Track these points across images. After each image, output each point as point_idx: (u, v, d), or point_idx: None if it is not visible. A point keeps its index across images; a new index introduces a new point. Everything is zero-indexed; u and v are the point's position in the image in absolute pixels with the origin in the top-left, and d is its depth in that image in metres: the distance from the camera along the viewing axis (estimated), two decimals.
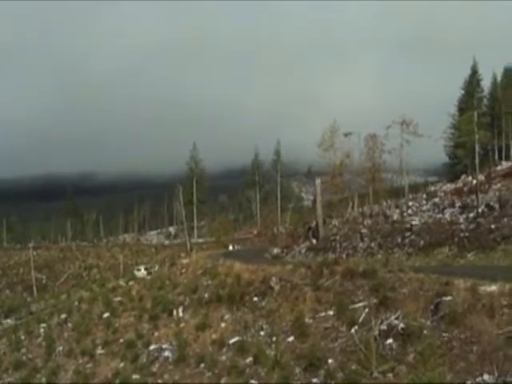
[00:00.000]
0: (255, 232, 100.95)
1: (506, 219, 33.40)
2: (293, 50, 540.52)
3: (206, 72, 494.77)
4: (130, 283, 43.37)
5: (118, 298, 37.37)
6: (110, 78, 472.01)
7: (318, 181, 52.33)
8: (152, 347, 23.92)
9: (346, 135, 69.09)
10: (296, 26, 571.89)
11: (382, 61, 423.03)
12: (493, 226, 32.45)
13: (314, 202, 57.85)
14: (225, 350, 20.61)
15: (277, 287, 24.46)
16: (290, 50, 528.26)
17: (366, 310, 18.07)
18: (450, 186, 65.47)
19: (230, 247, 72.96)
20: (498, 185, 48.92)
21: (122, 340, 27.16)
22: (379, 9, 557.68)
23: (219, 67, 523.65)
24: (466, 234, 32.80)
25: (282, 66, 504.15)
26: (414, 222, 42.29)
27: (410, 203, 58.07)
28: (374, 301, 18.53)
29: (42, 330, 35.00)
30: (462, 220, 38.49)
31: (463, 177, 70.21)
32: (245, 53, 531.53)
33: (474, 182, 48.33)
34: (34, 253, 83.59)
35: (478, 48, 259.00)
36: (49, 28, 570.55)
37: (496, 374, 11.10)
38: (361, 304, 18.84)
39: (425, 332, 15.24)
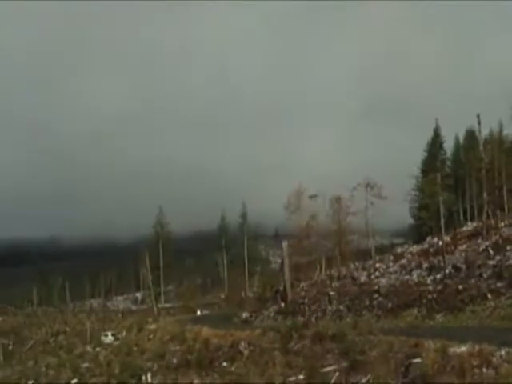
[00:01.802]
0: (223, 296, 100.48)
1: (473, 280, 33.64)
2: (260, 116, 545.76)
3: (173, 136, 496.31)
4: (98, 349, 42.73)
5: (86, 364, 36.76)
6: (73, 143, 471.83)
7: (284, 243, 52.47)
8: None
9: (311, 197, 70.00)
10: (264, 91, 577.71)
11: (348, 125, 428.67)
12: (460, 287, 32.64)
13: (282, 264, 57.81)
14: None
15: (246, 352, 24.31)
16: (257, 116, 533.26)
17: (337, 373, 18.02)
18: (416, 248, 65.92)
19: (198, 312, 72.42)
20: (464, 245, 49.37)
21: None
22: (346, 74, 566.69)
23: (189, 132, 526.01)
24: (434, 296, 32.93)
25: (251, 130, 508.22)
26: (381, 284, 42.47)
27: (377, 265, 58.33)
28: (344, 364, 18.49)
29: None
30: (429, 281, 38.71)
31: (429, 238, 70.73)
32: (212, 118, 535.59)
33: (440, 243, 48.69)
34: (0, 318, 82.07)
35: (441, 111, 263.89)
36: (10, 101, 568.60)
37: None
38: (331, 367, 18.77)
39: None
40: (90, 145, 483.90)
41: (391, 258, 63.39)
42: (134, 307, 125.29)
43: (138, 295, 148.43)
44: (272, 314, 45.35)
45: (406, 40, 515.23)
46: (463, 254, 43.19)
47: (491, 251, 40.39)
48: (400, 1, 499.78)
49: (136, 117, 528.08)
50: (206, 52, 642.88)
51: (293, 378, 19.52)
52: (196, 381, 24.17)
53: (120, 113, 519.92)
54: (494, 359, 15.03)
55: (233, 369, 23.54)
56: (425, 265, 45.31)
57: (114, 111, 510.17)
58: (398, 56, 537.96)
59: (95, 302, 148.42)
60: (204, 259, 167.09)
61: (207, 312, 73.65)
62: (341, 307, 39.22)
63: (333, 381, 17.54)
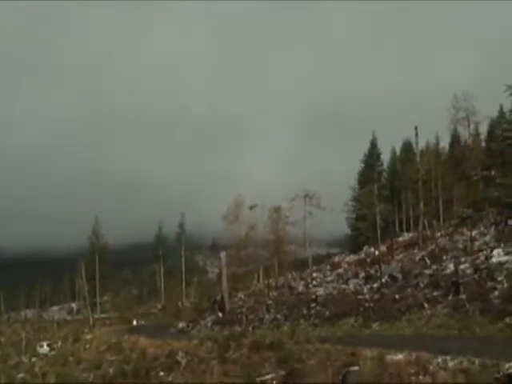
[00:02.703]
0: (159, 306, 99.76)
1: (409, 289, 33.98)
2: (209, 128, 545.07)
3: (111, 147, 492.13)
4: (33, 359, 41.92)
5: (21, 375, 35.96)
6: (11, 155, 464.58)
7: (222, 254, 52.44)
8: None
9: (250, 208, 70.01)
10: (213, 102, 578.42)
11: (295, 137, 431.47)
12: (397, 296, 32.93)
13: (220, 275, 57.75)
14: None
15: (183, 361, 24.07)
16: (206, 128, 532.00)
17: (274, 382, 17.93)
18: (353, 257, 66.55)
19: (134, 322, 71.75)
20: (400, 255, 49.98)
21: None
22: (294, 87, 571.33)
23: (137, 144, 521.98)
24: (371, 305, 33.14)
25: (199, 143, 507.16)
26: (318, 293, 42.64)
27: (315, 274, 58.63)
28: (282, 372, 18.41)
29: None
30: (366, 290, 39.01)
31: (365, 248, 71.50)
32: (162, 130, 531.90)
33: (377, 253, 49.20)
34: None
35: (377, 123, 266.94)
36: None
37: None
38: (268, 376, 18.67)
39: None
40: (29, 158, 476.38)
41: (328, 267, 63.86)
42: (69, 317, 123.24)
43: (74, 305, 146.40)
44: (209, 324, 45.20)
45: (355, 52, 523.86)
46: (399, 264, 43.70)
47: (428, 261, 40.94)
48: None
49: (84, 129, 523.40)
50: (155, 64, 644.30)
51: None
52: None
53: (68, 124, 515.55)
54: (431, 367, 15.14)
55: (170, 379, 23.27)
56: (361, 274, 45.67)
57: (62, 123, 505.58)
58: (346, 68, 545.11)
59: (30, 313, 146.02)
60: (141, 270, 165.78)
61: (143, 322, 72.98)
62: (278, 316, 39.25)
63: None
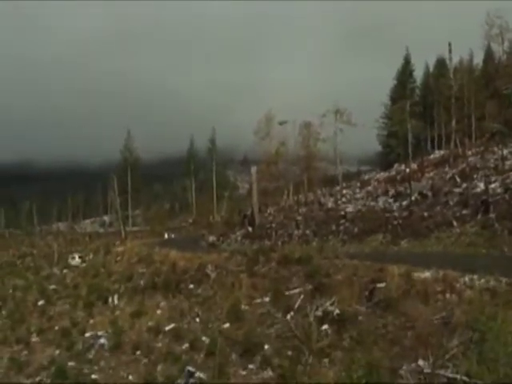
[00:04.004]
0: (190, 220, 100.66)
1: (438, 207, 33.90)
2: (232, 39, 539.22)
3: (142, 60, 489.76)
4: (65, 271, 42.86)
5: (53, 286, 36.89)
6: (44, 68, 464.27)
7: (253, 169, 52.47)
8: (87, 334, 23.62)
9: (281, 123, 69.69)
10: (238, 14, 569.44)
11: (323, 50, 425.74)
12: (426, 214, 32.90)
13: (250, 190, 57.93)
14: (161, 336, 20.50)
15: (213, 274, 24.45)
16: (230, 38, 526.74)
17: (302, 296, 18.16)
18: (383, 175, 66.35)
19: (166, 236, 72.47)
20: (431, 173, 49.67)
21: (57, 327, 26.76)
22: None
23: (156, 55, 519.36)
24: (400, 222, 33.19)
25: (220, 54, 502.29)
26: (348, 210, 42.75)
27: (344, 191, 58.70)
28: (309, 287, 18.65)
29: None
30: (395, 208, 39.01)
31: (396, 165, 71.13)
32: (183, 42, 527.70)
33: (407, 170, 48.95)
34: None
35: (412, 38, 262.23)
36: None
37: (431, 359, 11.25)
38: (296, 290, 18.93)
39: (360, 318, 15.38)
40: (62, 71, 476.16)
41: (358, 184, 63.77)
42: (101, 230, 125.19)
43: (106, 219, 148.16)
44: (239, 238, 45.58)
45: None
46: (430, 182, 43.49)
47: (458, 179, 40.69)
48: None
49: (109, 40, 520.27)
50: None
51: (258, 300, 19.70)
52: (162, 303, 24.33)
53: (93, 36, 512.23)
54: (458, 285, 15.20)
55: (199, 291, 23.69)
56: (391, 192, 45.60)
57: (87, 35, 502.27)
58: None
59: (62, 226, 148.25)
60: (172, 184, 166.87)
61: (175, 236, 73.72)
62: (307, 232, 39.47)
63: (297, 303, 17.70)
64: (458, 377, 8.31)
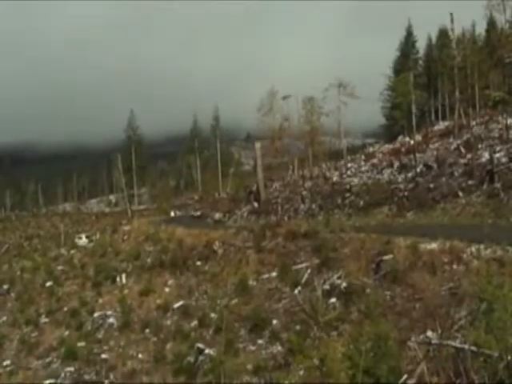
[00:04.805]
0: (196, 197, 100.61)
1: (444, 178, 33.78)
2: (234, 15, 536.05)
3: (143, 38, 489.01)
4: (72, 252, 43.02)
5: (61, 267, 37.05)
6: (48, 49, 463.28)
7: (257, 145, 52.40)
8: (96, 314, 23.78)
9: (284, 98, 69.39)
10: None
11: (324, 24, 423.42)
12: (431, 185, 32.79)
13: (255, 166, 57.88)
14: (169, 314, 20.64)
15: (220, 251, 24.54)
16: (231, 15, 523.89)
17: (309, 270, 18.23)
18: (387, 147, 66.07)
19: (172, 213, 72.54)
20: (436, 144, 49.44)
21: (65, 308, 26.96)
22: None
23: (158, 34, 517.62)
24: (405, 194, 33.13)
25: (223, 30, 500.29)
26: (353, 183, 42.68)
27: (349, 165, 58.55)
28: (317, 261, 18.70)
29: None
30: (400, 180, 38.91)
31: (400, 137, 70.87)
32: (186, 17, 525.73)
33: (412, 142, 48.79)
34: None
35: (413, 9, 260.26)
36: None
37: (439, 331, 11.26)
38: (303, 265, 18.99)
39: (367, 290, 15.43)
40: (68, 51, 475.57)
41: (363, 157, 63.61)
42: (107, 210, 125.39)
43: (112, 198, 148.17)
44: (245, 214, 45.59)
45: None
46: (435, 153, 43.31)
47: (463, 150, 40.54)
48: None
49: (114, 22, 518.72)
50: None
51: (266, 276, 19.77)
52: (170, 280, 24.43)
53: (100, 18, 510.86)
54: (465, 255, 15.22)
55: (207, 268, 23.79)
56: (396, 164, 45.44)
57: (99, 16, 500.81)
58: None
59: (69, 206, 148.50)
60: (177, 162, 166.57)
61: (181, 213, 73.79)
62: (313, 206, 39.46)
63: (305, 278, 17.75)
64: (466, 347, 8.31)
